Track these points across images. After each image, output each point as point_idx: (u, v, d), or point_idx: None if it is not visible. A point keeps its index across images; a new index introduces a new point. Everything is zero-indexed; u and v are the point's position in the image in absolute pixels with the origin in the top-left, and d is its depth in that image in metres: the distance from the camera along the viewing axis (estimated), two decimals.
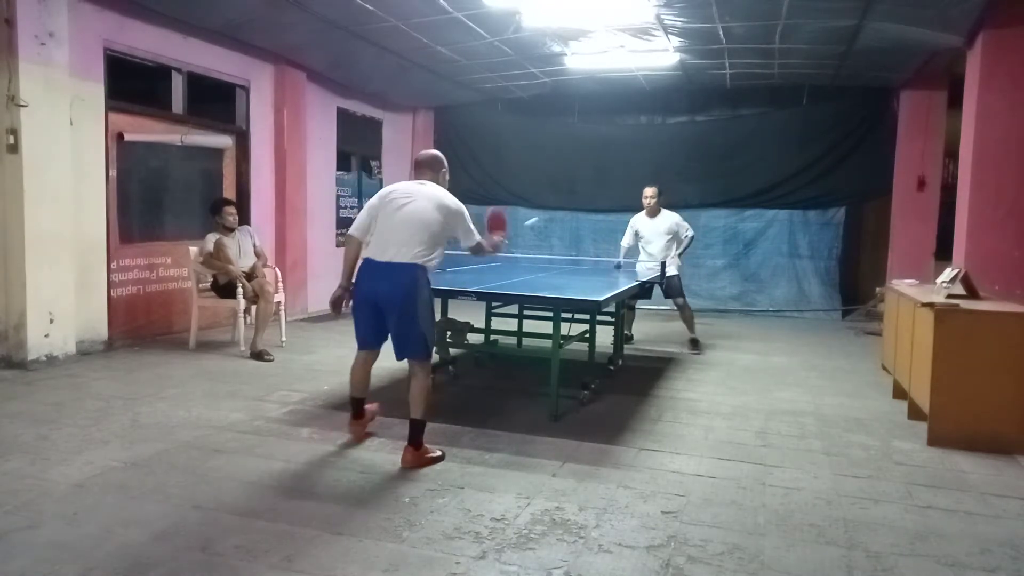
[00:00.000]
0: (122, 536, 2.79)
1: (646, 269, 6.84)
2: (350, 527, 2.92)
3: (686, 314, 7.16)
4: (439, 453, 3.77)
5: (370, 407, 4.16)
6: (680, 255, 7.21)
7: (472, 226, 3.90)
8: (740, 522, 3.08)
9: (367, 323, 3.76)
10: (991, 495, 3.46)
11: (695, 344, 7.10)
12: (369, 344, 3.86)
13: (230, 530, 2.86)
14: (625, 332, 7.08)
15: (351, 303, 3.80)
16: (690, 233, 7.22)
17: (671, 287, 7.01)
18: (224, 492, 3.23)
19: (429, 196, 3.75)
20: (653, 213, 7.20)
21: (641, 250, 7.26)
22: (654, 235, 7.15)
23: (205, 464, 3.62)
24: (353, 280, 3.80)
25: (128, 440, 3.94)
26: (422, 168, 3.97)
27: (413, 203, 3.70)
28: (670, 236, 7.14)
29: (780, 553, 2.79)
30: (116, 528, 2.85)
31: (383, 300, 3.64)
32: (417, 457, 3.65)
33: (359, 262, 3.80)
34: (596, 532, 2.93)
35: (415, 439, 3.68)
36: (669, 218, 7.20)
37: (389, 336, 3.74)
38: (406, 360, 3.76)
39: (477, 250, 4.07)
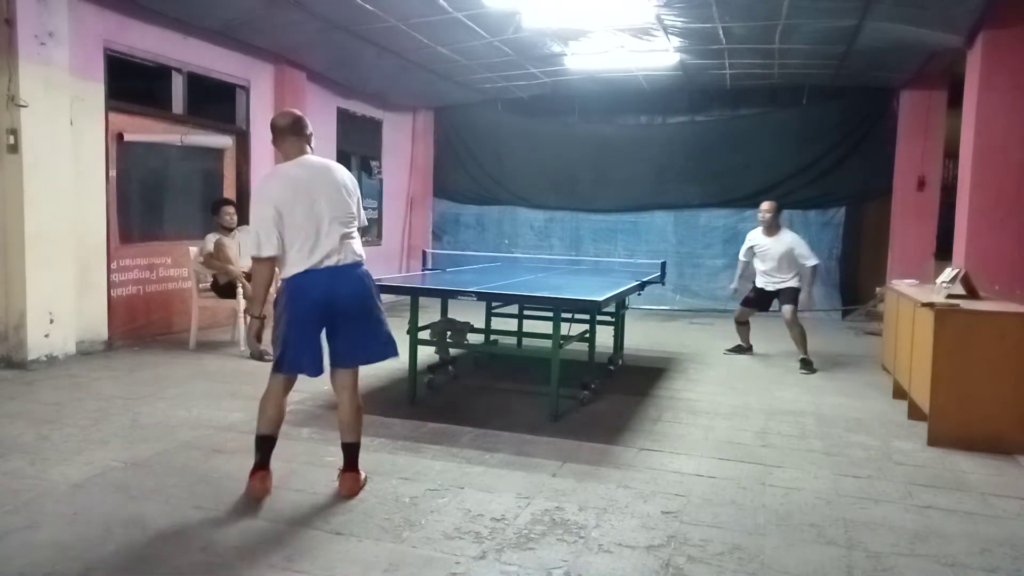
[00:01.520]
0: (122, 536, 2.79)
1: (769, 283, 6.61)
2: (350, 527, 2.92)
3: (794, 334, 6.41)
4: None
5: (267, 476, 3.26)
6: (808, 287, 6.53)
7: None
8: (740, 522, 3.08)
9: (314, 341, 3.13)
10: (991, 495, 3.46)
11: (805, 365, 6.29)
12: (311, 366, 3.15)
13: (230, 530, 2.86)
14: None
15: (284, 324, 3.13)
16: (811, 263, 6.44)
17: (790, 305, 6.45)
18: (224, 492, 3.23)
19: (336, 176, 3.21)
20: (771, 231, 6.62)
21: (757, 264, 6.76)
22: (769, 255, 6.59)
23: (205, 464, 3.62)
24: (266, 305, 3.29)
25: (128, 440, 3.94)
26: (297, 136, 3.22)
27: (329, 191, 3.14)
28: (787, 258, 6.50)
29: (780, 553, 2.79)
30: (116, 528, 2.85)
31: (342, 307, 3.12)
32: (359, 482, 3.29)
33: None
34: (596, 532, 2.93)
35: (356, 464, 3.31)
36: (784, 240, 6.54)
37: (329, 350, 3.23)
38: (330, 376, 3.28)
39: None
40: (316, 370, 3.16)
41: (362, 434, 3.38)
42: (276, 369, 3.19)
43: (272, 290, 3.30)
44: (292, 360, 3.13)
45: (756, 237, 6.78)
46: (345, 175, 3.25)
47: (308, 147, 3.24)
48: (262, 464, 3.23)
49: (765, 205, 6.71)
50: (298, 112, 3.32)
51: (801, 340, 6.39)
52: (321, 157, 3.28)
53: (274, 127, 3.25)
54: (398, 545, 2.77)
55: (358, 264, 3.19)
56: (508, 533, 2.90)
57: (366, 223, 3.36)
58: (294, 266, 3.08)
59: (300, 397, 4.91)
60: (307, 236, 3.05)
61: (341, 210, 3.13)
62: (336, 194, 3.13)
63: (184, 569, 2.56)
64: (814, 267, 6.53)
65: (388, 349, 3.30)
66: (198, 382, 5.31)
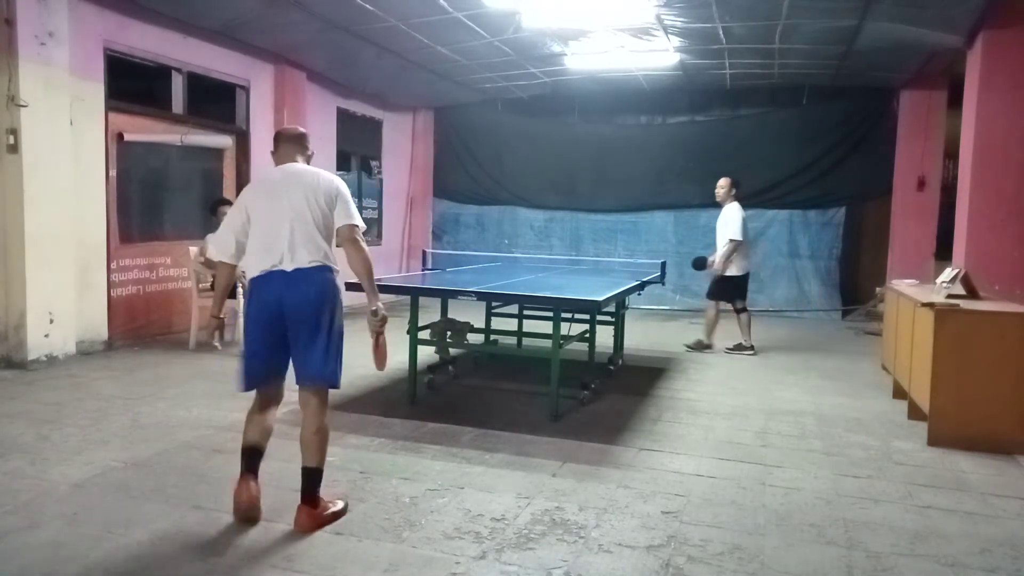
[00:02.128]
0: (122, 536, 2.79)
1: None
2: (350, 527, 2.92)
3: (708, 316, 7.09)
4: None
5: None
6: (725, 261, 6.85)
7: (355, 209, 3.09)
8: (740, 522, 3.08)
9: (260, 348, 2.97)
10: (991, 495, 3.46)
11: (699, 345, 7.12)
12: (273, 378, 3.04)
13: (230, 530, 2.87)
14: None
15: (244, 329, 3.07)
16: (729, 236, 6.78)
17: (710, 288, 7.05)
18: (224, 492, 3.22)
19: (310, 180, 3.02)
20: (722, 203, 7.05)
21: None
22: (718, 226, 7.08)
23: (205, 464, 3.62)
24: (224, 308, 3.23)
25: (128, 440, 3.94)
26: (294, 146, 3.17)
27: (296, 194, 2.97)
28: (721, 231, 6.95)
29: (780, 553, 2.79)
30: (116, 528, 2.85)
31: (291, 314, 2.92)
32: (315, 517, 2.93)
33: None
34: (596, 532, 2.93)
35: (312, 494, 2.95)
36: (724, 212, 6.99)
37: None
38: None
39: (355, 245, 3.03)
40: (258, 381, 3.00)
41: (315, 464, 3.03)
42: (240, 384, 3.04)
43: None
44: (244, 369, 2.99)
45: None
46: (326, 180, 3.03)
47: (299, 158, 3.14)
48: (248, 470, 3.01)
49: (719, 181, 7.12)
50: (291, 128, 3.33)
51: (709, 326, 7.04)
52: (313, 168, 3.13)
53: (279, 135, 3.22)
54: (398, 545, 2.77)
55: (319, 268, 2.94)
56: (508, 533, 2.90)
57: (361, 224, 3.08)
58: (255, 267, 2.99)
59: None
60: (266, 236, 2.95)
61: (305, 214, 2.93)
62: (304, 198, 2.95)
63: (184, 569, 2.56)
64: (731, 242, 6.76)
65: (320, 375, 2.99)
66: (198, 382, 5.30)
